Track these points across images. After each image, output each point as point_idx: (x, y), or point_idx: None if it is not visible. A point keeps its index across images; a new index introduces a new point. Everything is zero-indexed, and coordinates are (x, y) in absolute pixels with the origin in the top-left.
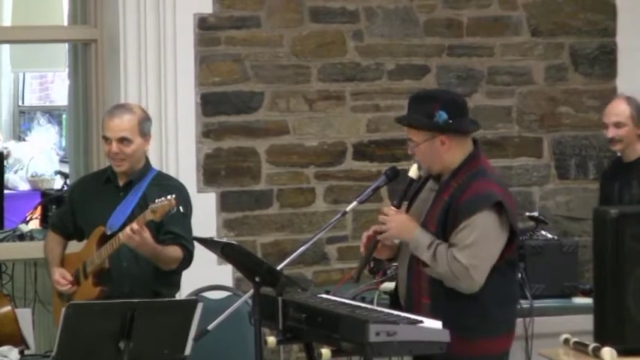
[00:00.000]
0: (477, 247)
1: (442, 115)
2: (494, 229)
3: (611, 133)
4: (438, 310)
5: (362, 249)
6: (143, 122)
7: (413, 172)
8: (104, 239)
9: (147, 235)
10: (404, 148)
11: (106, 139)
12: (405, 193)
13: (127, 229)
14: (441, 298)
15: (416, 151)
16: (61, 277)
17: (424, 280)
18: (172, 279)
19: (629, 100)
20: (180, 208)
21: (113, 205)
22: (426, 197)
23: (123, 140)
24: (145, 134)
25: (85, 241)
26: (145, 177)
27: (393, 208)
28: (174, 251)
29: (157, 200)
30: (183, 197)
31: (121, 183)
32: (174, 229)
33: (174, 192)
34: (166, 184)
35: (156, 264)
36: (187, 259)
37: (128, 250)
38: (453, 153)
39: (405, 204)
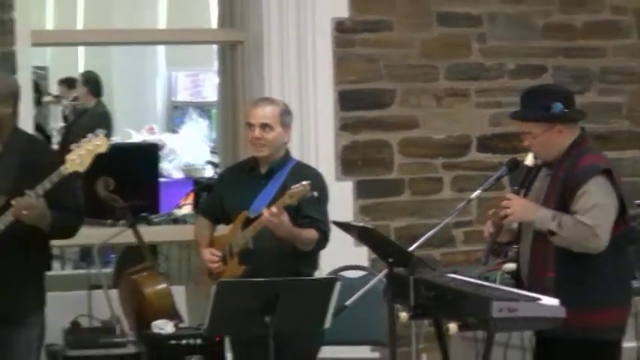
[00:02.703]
0: (597, 208)
1: (558, 106)
2: (608, 192)
3: None
4: (562, 281)
5: (486, 234)
6: (284, 114)
7: (529, 160)
8: (248, 222)
9: (284, 217)
10: None
11: (250, 125)
12: (523, 180)
13: (266, 212)
14: (566, 269)
15: (534, 143)
16: (211, 255)
17: (549, 255)
18: (311, 259)
19: None
20: (315, 193)
21: (256, 191)
22: (541, 183)
23: (265, 126)
24: (285, 125)
25: (230, 225)
26: (285, 166)
27: (513, 193)
28: (310, 233)
29: (292, 187)
30: (320, 184)
31: (263, 171)
32: (310, 213)
33: (312, 179)
34: (305, 172)
35: (294, 245)
36: (323, 240)
37: (270, 233)
38: (567, 140)
39: (523, 191)
